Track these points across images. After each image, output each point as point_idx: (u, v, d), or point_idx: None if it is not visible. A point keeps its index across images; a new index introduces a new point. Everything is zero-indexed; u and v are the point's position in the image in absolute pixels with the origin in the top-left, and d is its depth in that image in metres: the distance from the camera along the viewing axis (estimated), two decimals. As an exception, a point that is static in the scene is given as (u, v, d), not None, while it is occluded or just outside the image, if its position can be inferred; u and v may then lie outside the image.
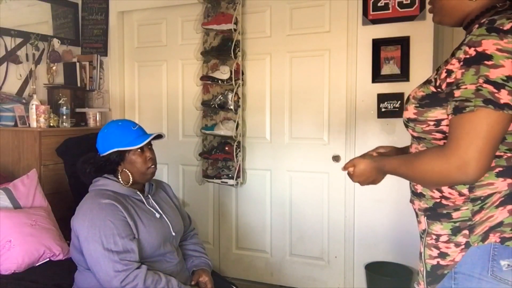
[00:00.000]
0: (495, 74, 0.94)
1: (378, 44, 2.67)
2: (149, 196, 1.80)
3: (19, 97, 3.04)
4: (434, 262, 1.13)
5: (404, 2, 2.58)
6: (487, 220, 1.05)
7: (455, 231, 1.09)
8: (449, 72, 1.02)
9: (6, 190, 2.30)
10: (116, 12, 3.45)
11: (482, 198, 1.06)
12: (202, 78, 3.05)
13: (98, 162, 1.75)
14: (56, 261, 2.16)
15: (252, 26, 3.03)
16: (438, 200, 1.11)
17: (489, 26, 0.98)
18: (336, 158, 2.85)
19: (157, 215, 1.75)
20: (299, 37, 2.93)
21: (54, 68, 3.25)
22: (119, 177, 1.75)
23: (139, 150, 1.74)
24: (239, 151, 3.02)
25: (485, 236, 1.05)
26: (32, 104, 2.88)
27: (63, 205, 2.77)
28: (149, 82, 3.46)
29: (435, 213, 1.13)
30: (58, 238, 2.24)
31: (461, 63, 0.99)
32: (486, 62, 0.95)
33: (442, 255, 1.11)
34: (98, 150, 1.77)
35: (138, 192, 1.76)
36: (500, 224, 1.04)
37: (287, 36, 2.96)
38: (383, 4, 2.63)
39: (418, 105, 1.11)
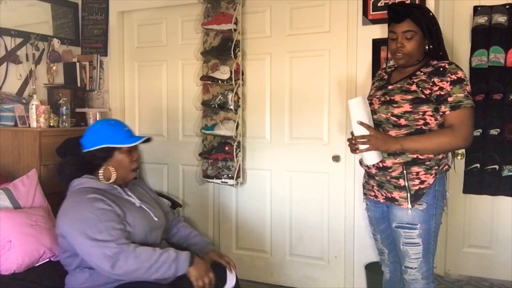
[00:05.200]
0: (469, 88, 1.82)
1: (378, 44, 2.67)
2: (125, 189, 1.84)
3: (19, 97, 3.04)
4: (417, 187, 1.86)
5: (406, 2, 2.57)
6: (444, 160, 1.92)
7: (428, 168, 1.86)
8: (441, 88, 1.81)
9: (6, 190, 2.30)
10: (116, 12, 3.45)
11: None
12: (202, 78, 3.05)
13: (82, 158, 1.77)
14: (56, 261, 2.15)
15: (252, 26, 3.03)
16: (415, 157, 1.85)
17: (454, 65, 1.85)
18: (336, 158, 2.85)
19: (137, 204, 1.80)
20: (299, 37, 2.92)
21: (54, 68, 3.25)
22: (100, 174, 1.77)
23: (127, 149, 1.78)
24: (239, 151, 3.02)
25: (442, 168, 1.91)
26: (32, 104, 2.89)
27: (63, 205, 2.77)
28: (149, 82, 3.46)
29: (413, 162, 1.85)
30: (58, 238, 2.25)
31: (449, 83, 1.80)
32: (464, 82, 1.81)
33: (422, 182, 1.86)
34: (84, 144, 1.79)
35: (115, 186, 1.80)
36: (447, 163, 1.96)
37: (287, 36, 2.96)
38: (383, 4, 2.63)
39: (412, 103, 1.83)
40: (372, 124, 1.87)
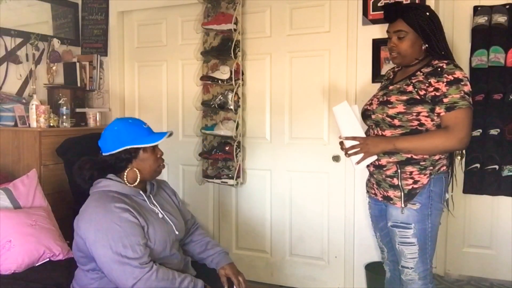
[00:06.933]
0: (467, 88, 1.79)
1: (378, 44, 2.67)
2: (151, 196, 1.78)
3: (19, 97, 3.05)
4: (410, 187, 1.86)
5: (404, 2, 2.58)
6: (441, 161, 1.88)
7: (422, 169, 1.85)
8: (436, 89, 1.79)
9: (6, 190, 2.30)
10: (116, 12, 3.45)
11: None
12: (202, 78, 3.05)
13: (105, 162, 1.70)
14: (56, 261, 2.16)
15: (252, 26, 3.03)
16: (409, 156, 1.85)
17: (452, 64, 1.81)
18: (336, 158, 2.85)
19: (160, 215, 1.74)
20: (299, 37, 2.93)
21: (54, 68, 3.26)
22: (125, 176, 1.71)
23: (151, 147, 1.73)
24: (239, 151, 3.02)
25: (439, 169, 1.88)
26: (32, 104, 2.89)
27: (63, 205, 2.77)
28: (149, 82, 3.46)
29: (407, 162, 1.85)
30: (58, 238, 2.24)
31: (445, 84, 1.77)
32: (461, 82, 1.78)
33: (415, 182, 1.85)
34: (105, 148, 1.70)
35: (141, 192, 1.74)
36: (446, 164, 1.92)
37: (287, 36, 2.96)
38: (383, 4, 2.63)
39: (406, 103, 1.82)
40: (359, 127, 1.90)
